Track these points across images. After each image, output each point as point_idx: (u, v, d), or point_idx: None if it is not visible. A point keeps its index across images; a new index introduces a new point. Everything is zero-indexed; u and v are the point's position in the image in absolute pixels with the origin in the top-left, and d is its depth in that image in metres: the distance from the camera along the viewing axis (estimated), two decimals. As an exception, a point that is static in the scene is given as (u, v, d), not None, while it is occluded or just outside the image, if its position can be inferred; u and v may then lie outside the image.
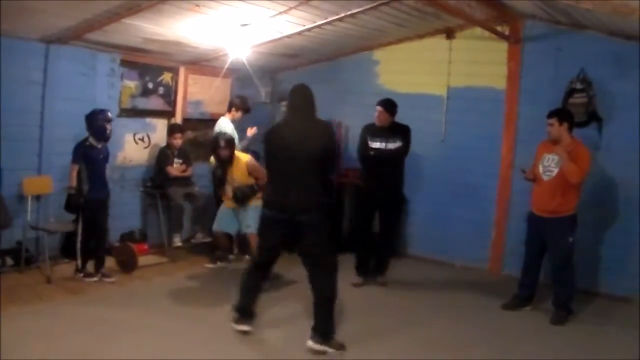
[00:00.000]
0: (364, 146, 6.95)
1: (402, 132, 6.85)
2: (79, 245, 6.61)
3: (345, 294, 5.78)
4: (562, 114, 6.17)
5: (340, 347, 5.02)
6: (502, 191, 7.75)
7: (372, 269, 7.11)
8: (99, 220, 6.67)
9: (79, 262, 6.64)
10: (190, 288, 6.62)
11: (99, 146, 6.58)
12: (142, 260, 7.17)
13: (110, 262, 7.05)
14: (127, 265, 6.99)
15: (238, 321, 5.32)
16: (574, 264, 6.13)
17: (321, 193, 5.11)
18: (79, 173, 6.44)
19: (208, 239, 7.99)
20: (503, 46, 7.66)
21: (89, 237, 6.62)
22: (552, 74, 7.30)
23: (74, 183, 6.44)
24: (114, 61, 7.52)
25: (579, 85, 6.99)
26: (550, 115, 6.17)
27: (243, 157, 6.83)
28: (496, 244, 7.81)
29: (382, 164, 6.83)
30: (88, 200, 6.48)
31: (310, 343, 4.96)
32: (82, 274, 6.61)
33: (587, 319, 6.23)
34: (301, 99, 5.24)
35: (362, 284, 6.99)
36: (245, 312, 5.33)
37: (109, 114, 6.61)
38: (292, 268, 6.42)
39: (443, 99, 8.12)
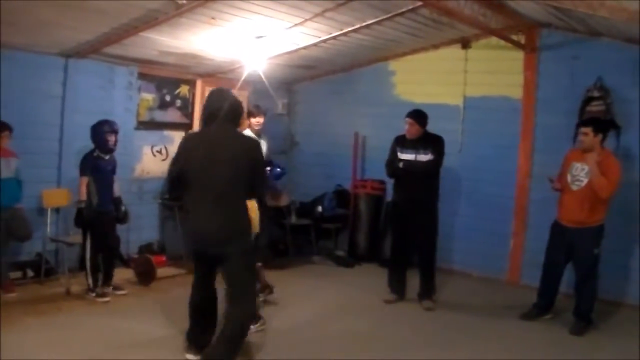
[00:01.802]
0: (393, 159, 6.65)
1: (434, 142, 6.55)
2: (88, 263, 6.40)
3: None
4: (598, 125, 6.05)
5: None
6: (520, 201, 7.70)
7: (417, 291, 6.77)
8: (108, 233, 6.60)
9: (90, 281, 6.39)
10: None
11: (107, 157, 6.49)
12: (161, 272, 7.19)
13: (128, 273, 7.10)
14: (146, 277, 7.01)
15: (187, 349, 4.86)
16: (597, 274, 6.05)
17: (245, 219, 4.42)
18: (87, 186, 6.30)
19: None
20: (519, 55, 7.64)
21: (98, 252, 6.46)
22: (568, 83, 7.26)
23: (84, 196, 6.27)
24: (132, 74, 7.59)
25: (596, 93, 6.95)
26: (586, 124, 6.08)
27: None
28: (514, 254, 7.76)
29: (412, 176, 6.52)
30: (98, 213, 6.33)
31: None
32: (94, 294, 6.35)
33: (611, 329, 6.16)
34: (218, 107, 4.42)
35: (395, 301, 6.76)
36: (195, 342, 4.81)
37: (116, 125, 6.50)
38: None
39: (459, 109, 8.11)
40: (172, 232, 8.06)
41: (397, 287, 6.82)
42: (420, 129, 6.57)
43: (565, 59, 7.33)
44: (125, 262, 7.44)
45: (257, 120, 7.55)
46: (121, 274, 7.14)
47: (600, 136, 5.97)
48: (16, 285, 6.42)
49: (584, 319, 6.05)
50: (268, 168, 7.37)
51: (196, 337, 4.78)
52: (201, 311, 4.78)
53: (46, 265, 6.77)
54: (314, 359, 5.08)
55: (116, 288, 6.62)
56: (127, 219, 6.80)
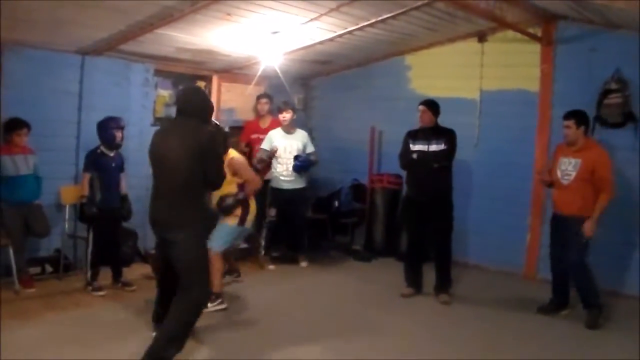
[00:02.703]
0: (405, 150, 6.66)
1: (446, 135, 6.54)
2: (89, 257, 6.48)
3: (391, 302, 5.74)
4: (580, 116, 6.06)
5: None
6: (537, 195, 7.66)
7: (433, 285, 6.77)
8: (113, 230, 6.63)
9: (89, 275, 6.46)
10: (225, 294, 6.64)
11: (112, 154, 6.53)
12: (178, 267, 7.21)
13: (146, 269, 7.14)
14: (163, 272, 7.04)
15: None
16: (588, 263, 5.97)
17: (194, 208, 4.52)
18: (91, 182, 6.40)
19: (244, 246, 8.04)
20: (536, 48, 7.60)
21: (100, 249, 6.50)
22: (585, 75, 7.20)
23: (87, 192, 6.39)
24: (148, 71, 7.63)
25: (614, 86, 6.90)
26: (568, 116, 6.08)
27: (231, 153, 6.04)
28: (531, 248, 7.73)
29: (425, 167, 6.50)
30: (101, 209, 6.40)
31: None
32: (90, 287, 6.41)
33: (619, 320, 6.15)
34: (184, 102, 4.69)
35: (411, 294, 6.75)
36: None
37: (122, 121, 6.55)
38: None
39: (476, 103, 8.08)
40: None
41: (414, 281, 6.81)
42: (433, 117, 6.57)
43: (582, 52, 7.27)
44: (143, 258, 7.48)
45: (283, 116, 7.71)
46: (139, 269, 7.20)
47: (583, 128, 6.02)
48: (35, 280, 6.48)
49: (595, 307, 6.00)
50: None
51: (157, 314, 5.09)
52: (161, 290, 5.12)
53: (65, 260, 6.85)
54: (330, 349, 5.10)
55: (125, 284, 6.64)
56: (130, 216, 6.80)
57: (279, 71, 7.70)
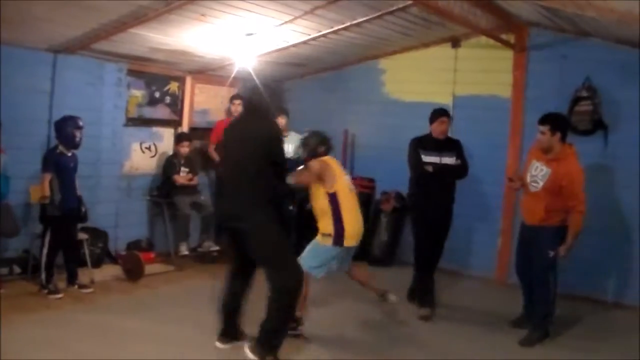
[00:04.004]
0: (417, 161, 6.28)
1: (456, 146, 6.40)
2: (44, 259, 6.30)
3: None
4: (555, 123, 5.64)
5: None
6: (508, 199, 7.73)
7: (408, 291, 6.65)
8: (70, 231, 6.51)
9: (44, 277, 6.31)
10: (196, 297, 6.61)
11: (69, 154, 6.42)
12: (149, 268, 7.19)
13: (116, 270, 7.09)
14: (134, 273, 7.00)
15: (219, 338, 5.14)
16: (553, 279, 5.71)
17: (261, 198, 4.75)
18: (50, 183, 6.25)
19: (215, 248, 8.03)
20: (508, 54, 7.68)
21: (56, 251, 6.39)
22: (557, 82, 7.31)
23: (48, 193, 6.24)
24: (121, 71, 7.57)
25: (584, 93, 7.01)
26: (543, 121, 5.68)
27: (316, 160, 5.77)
28: (502, 253, 7.79)
29: (438, 180, 6.27)
30: (60, 211, 6.28)
31: (246, 350, 4.76)
32: (46, 291, 6.26)
33: (592, 327, 6.23)
34: (249, 100, 5.22)
35: (431, 316, 6.30)
36: (226, 330, 5.13)
37: (80, 121, 6.40)
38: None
39: (449, 108, 8.09)
40: (161, 228, 8.05)
41: (430, 298, 6.44)
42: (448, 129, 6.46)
43: (554, 59, 7.38)
44: (114, 259, 7.43)
45: (279, 121, 7.74)
46: (109, 271, 7.15)
47: (558, 134, 5.60)
48: (3, 281, 6.38)
49: (538, 328, 5.75)
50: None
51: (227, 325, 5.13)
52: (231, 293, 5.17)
53: (33, 261, 6.72)
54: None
55: (82, 286, 6.53)
56: (86, 218, 6.71)
57: (252, 73, 7.67)
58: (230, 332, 5.13)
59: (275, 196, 4.94)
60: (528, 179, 5.83)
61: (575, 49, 7.23)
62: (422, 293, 6.44)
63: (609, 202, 6.90)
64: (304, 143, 5.81)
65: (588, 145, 6.77)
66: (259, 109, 4.98)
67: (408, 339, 5.70)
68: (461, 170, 6.38)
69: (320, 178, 5.48)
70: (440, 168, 6.23)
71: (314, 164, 5.57)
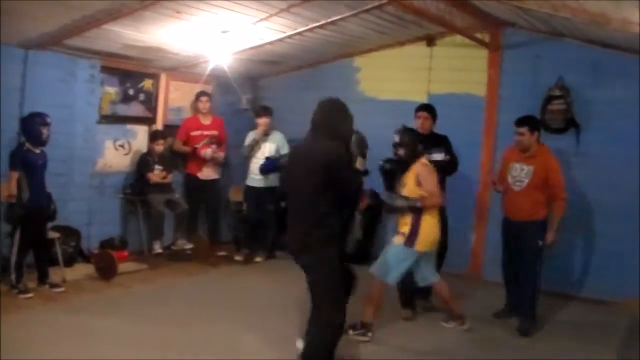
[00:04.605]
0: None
1: (444, 142, 6.39)
2: (14, 258, 6.19)
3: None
4: (533, 123, 6.07)
5: None
6: (482, 197, 7.80)
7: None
8: (40, 230, 6.41)
9: (14, 277, 6.19)
10: (170, 295, 6.59)
11: (37, 151, 6.30)
12: (122, 267, 7.13)
13: (89, 269, 7.02)
14: (107, 272, 6.93)
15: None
16: (539, 271, 5.98)
17: (322, 230, 4.34)
18: (18, 180, 6.12)
19: (189, 246, 8.00)
20: (483, 53, 7.73)
21: (26, 250, 6.30)
22: (531, 81, 7.39)
23: (14, 191, 6.10)
24: (94, 67, 7.47)
25: (557, 92, 7.09)
26: (521, 124, 6.02)
27: (423, 160, 5.65)
28: (476, 249, 7.86)
29: None
30: (29, 209, 6.17)
31: None
32: (16, 291, 6.14)
33: (570, 322, 6.30)
34: (318, 116, 4.58)
35: (414, 316, 6.26)
36: None
37: (47, 118, 6.27)
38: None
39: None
40: (134, 227, 7.99)
41: (411, 299, 6.32)
42: (433, 124, 6.48)
43: (528, 58, 7.46)
44: (86, 257, 7.35)
45: (263, 120, 8.03)
46: (82, 269, 7.08)
47: (536, 134, 6.00)
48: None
49: (529, 316, 5.97)
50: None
51: None
52: None
53: (3, 261, 6.49)
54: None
55: (53, 286, 6.45)
56: (55, 216, 6.60)
57: (227, 71, 7.66)
58: None
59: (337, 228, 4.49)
60: (510, 180, 6.09)
61: (549, 48, 7.32)
62: (404, 294, 6.33)
63: (580, 199, 6.97)
64: (401, 143, 5.61)
65: (561, 143, 6.85)
66: (324, 127, 4.51)
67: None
68: (450, 165, 6.37)
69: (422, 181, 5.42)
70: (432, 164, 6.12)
71: (427, 168, 5.52)
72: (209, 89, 8.60)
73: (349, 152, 4.56)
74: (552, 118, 7.04)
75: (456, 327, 5.84)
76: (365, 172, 4.78)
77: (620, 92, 6.92)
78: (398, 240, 5.46)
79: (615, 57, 6.89)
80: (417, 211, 5.40)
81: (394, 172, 5.70)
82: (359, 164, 4.62)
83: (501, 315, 6.30)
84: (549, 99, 7.13)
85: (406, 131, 5.70)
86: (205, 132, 8.34)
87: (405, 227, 5.44)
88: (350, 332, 5.37)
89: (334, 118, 4.57)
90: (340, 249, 4.54)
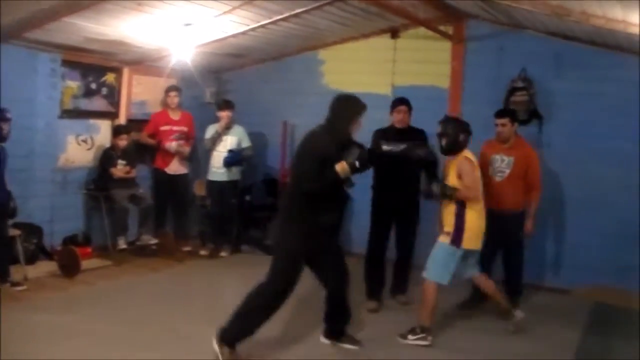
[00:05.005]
0: (376, 152, 6.19)
1: (419, 136, 6.36)
2: None
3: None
4: (513, 114, 6.39)
5: None
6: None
7: (390, 287, 6.59)
8: (2, 227, 6.29)
9: None
10: (134, 291, 6.52)
11: None
12: (86, 263, 7.04)
13: (52, 266, 6.93)
14: (70, 269, 6.84)
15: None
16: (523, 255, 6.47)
17: (295, 210, 4.79)
18: None
19: (154, 241, 7.94)
20: (447, 46, 7.77)
21: None
22: (494, 73, 7.45)
23: None
24: (55, 61, 7.35)
25: (520, 84, 7.16)
26: (503, 115, 6.30)
27: (465, 154, 5.52)
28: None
29: (398, 170, 6.20)
30: None
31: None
32: None
33: (535, 311, 6.32)
34: (328, 108, 4.91)
35: (378, 308, 6.32)
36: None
37: (7, 113, 6.15)
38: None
39: (388, 99, 8.11)
40: (98, 222, 7.89)
41: (378, 291, 6.43)
42: (410, 117, 6.47)
43: (491, 50, 7.52)
44: (49, 254, 7.25)
45: (224, 114, 8.08)
46: (44, 267, 6.98)
47: (515, 125, 6.31)
48: None
49: (517, 293, 6.37)
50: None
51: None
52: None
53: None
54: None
55: (14, 284, 6.33)
56: (15, 213, 6.47)
57: (190, 64, 7.58)
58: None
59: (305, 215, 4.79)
60: (491, 171, 6.26)
61: (512, 40, 7.39)
62: (370, 285, 6.42)
63: (543, 190, 7.03)
64: (444, 133, 5.54)
65: (524, 134, 6.88)
66: (325, 120, 4.90)
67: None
68: (425, 159, 6.21)
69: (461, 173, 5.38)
70: (397, 157, 6.17)
71: (469, 162, 5.44)
72: (173, 82, 8.51)
73: (336, 151, 4.70)
74: (515, 109, 7.10)
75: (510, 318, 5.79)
76: (345, 181, 4.79)
77: (580, 84, 7.04)
78: (443, 239, 5.41)
79: (576, 49, 7.00)
80: (454, 202, 5.36)
81: (431, 162, 5.79)
82: (339, 168, 4.65)
83: (468, 306, 6.37)
84: (512, 91, 7.20)
85: (449, 121, 5.70)
86: (174, 128, 8.28)
87: (449, 226, 5.39)
88: (410, 337, 5.38)
89: (333, 113, 4.86)
90: (306, 233, 4.77)
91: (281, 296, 4.78)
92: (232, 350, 4.71)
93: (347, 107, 4.87)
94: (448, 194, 5.33)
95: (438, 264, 5.38)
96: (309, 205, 4.72)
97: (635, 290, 6.65)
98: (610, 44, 6.71)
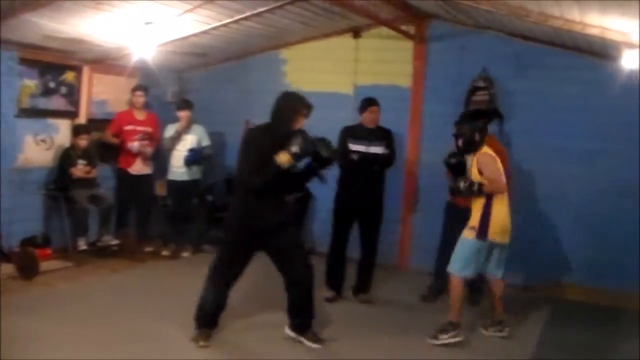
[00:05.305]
0: (344, 149, 6.30)
1: (386, 136, 6.49)
2: None
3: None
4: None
5: None
6: (408, 187, 7.90)
7: (353, 287, 6.69)
8: None
9: None
10: (95, 292, 6.44)
11: None
12: (45, 265, 6.93)
13: (9, 268, 6.80)
14: (28, 271, 6.71)
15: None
16: None
17: (236, 202, 5.12)
18: None
19: (115, 242, 7.86)
20: (409, 45, 7.83)
21: None
22: (455, 73, 7.53)
23: None
24: (12, 59, 7.19)
25: (481, 84, 7.23)
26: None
27: (483, 149, 5.59)
28: (403, 240, 7.96)
29: (364, 169, 6.32)
30: None
31: None
32: None
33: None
34: (273, 106, 5.10)
35: (336, 298, 6.51)
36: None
37: None
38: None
39: (350, 98, 8.19)
40: (57, 223, 7.77)
41: (338, 284, 6.58)
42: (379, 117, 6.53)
43: (453, 50, 7.60)
44: (6, 256, 7.11)
45: (184, 114, 8.08)
46: (1, 269, 6.83)
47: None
48: None
49: (477, 289, 6.45)
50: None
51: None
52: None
53: None
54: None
55: None
56: None
57: (152, 63, 7.51)
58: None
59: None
60: None
61: (473, 40, 7.49)
62: (331, 278, 6.54)
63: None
64: (460, 133, 5.58)
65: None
66: (272, 115, 5.06)
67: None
68: (385, 158, 6.45)
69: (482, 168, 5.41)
70: (364, 156, 6.29)
71: (487, 156, 5.49)
72: (135, 81, 8.42)
73: (279, 141, 4.79)
74: (476, 108, 7.17)
75: (495, 333, 5.73)
76: (286, 171, 4.85)
77: (539, 84, 7.17)
78: (469, 234, 5.41)
79: (535, 50, 7.12)
80: (481, 196, 5.39)
81: (460, 164, 5.70)
82: (279, 158, 4.76)
83: (429, 297, 6.65)
84: (474, 90, 7.26)
85: (464, 121, 5.72)
86: (139, 128, 8.16)
87: (474, 220, 5.40)
88: (442, 336, 5.40)
89: (275, 110, 5.04)
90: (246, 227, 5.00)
91: (223, 287, 5.17)
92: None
93: (290, 104, 5.04)
94: (475, 189, 5.37)
95: (463, 259, 5.40)
96: (254, 203, 4.90)
97: (594, 285, 6.79)
98: (568, 45, 6.83)
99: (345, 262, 6.61)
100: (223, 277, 5.11)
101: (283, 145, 4.76)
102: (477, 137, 5.52)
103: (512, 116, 7.23)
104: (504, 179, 5.45)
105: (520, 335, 5.80)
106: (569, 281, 7.07)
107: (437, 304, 6.45)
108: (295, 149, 4.75)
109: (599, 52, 6.61)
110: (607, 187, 6.98)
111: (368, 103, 6.52)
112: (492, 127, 7.13)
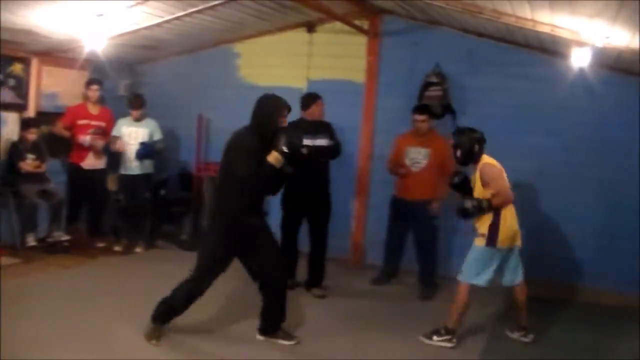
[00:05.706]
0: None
1: (328, 128, 6.57)
2: None
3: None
4: (430, 112, 6.87)
5: None
6: (361, 182, 7.94)
7: (305, 282, 6.74)
8: None
9: None
10: (44, 289, 6.31)
11: None
12: (-8, 262, 6.79)
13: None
14: (-25, 268, 6.59)
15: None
16: (437, 244, 6.93)
17: (225, 205, 4.96)
18: None
19: (66, 238, 7.74)
20: (362, 40, 7.85)
21: None
22: (409, 68, 7.59)
23: None
24: (-44, 51, 7.06)
25: (434, 79, 7.30)
26: (423, 111, 6.79)
27: (484, 159, 5.47)
28: (356, 235, 8.00)
29: (312, 162, 6.23)
30: None
31: None
32: None
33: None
34: (253, 111, 5.06)
35: (293, 285, 6.47)
36: None
37: None
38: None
39: (303, 92, 8.17)
40: (5, 219, 7.61)
41: (291, 275, 6.51)
42: None
43: (406, 46, 7.65)
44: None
45: (136, 112, 7.99)
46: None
47: (432, 121, 6.91)
48: None
49: (431, 284, 6.84)
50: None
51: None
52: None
53: None
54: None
55: None
56: None
57: (103, 56, 7.39)
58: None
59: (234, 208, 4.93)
60: (408, 162, 6.72)
61: (426, 36, 7.55)
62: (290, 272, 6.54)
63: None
64: (458, 144, 5.46)
65: (437, 129, 7.06)
66: (251, 118, 5.04)
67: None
68: (335, 149, 6.54)
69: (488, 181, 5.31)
70: (315, 150, 6.31)
71: (490, 166, 5.38)
72: (86, 74, 8.28)
73: (265, 143, 4.85)
74: (429, 104, 7.24)
75: (519, 337, 5.66)
76: (279, 170, 4.91)
77: (492, 80, 7.26)
78: (479, 242, 5.32)
79: (488, 46, 7.21)
80: (491, 211, 5.26)
81: (464, 182, 5.53)
82: (271, 158, 4.82)
83: (379, 281, 7.10)
84: (427, 86, 7.33)
85: (462, 132, 5.57)
86: (93, 122, 7.98)
87: (483, 227, 5.30)
88: (434, 338, 5.39)
89: (257, 114, 5.01)
90: (238, 229, 4.92)
91: (204, 289, 5.03)
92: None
93: (271, 107, 5.02)
94: (484, 207, 5.24)
95: (474, 266, 5.32)
96: (246, 203, 4.91)
97: (552, 280, 6.94)
98: (520, 42, 6.94)
99: (297, 255, 6.72)
100: (209, 277, 5.00)
101: (269, 146, 4.82)
102: (476, 148, 5.42)
103: (464, 112, 7.29)
104: (509, 189, 5.33)
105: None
106: (528, 277, 7.15)
107: (436, 303, 6.52)
108: (284, 148, 4.80)
109: (550, 49, 6.74)
110: (559, 184, 7.12)
111: (314, 97, 6.62)
112: (445, 123, 7.25)
